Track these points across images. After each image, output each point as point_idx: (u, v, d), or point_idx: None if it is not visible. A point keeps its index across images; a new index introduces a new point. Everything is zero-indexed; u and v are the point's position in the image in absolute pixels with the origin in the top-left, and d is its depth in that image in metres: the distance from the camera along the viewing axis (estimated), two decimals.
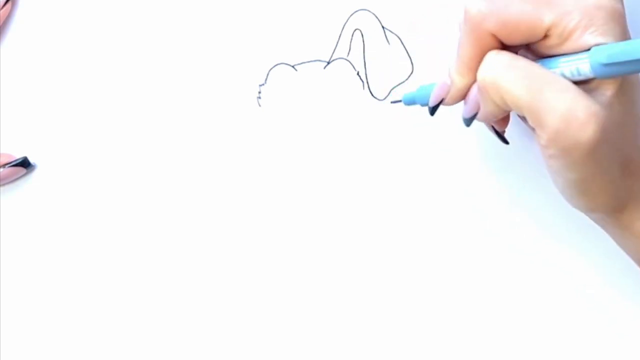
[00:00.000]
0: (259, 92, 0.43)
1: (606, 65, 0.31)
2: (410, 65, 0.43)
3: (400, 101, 0.39)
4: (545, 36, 0.32)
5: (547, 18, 0.32)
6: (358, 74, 0.42)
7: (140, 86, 0.44)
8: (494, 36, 0.33)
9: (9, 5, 0.43)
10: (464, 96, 0.35)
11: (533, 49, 0.34)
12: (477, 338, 0.43)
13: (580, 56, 0.32)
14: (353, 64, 0.43)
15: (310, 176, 0.44)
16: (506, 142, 0.39)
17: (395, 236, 0.43)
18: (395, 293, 0.43)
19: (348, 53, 0.43)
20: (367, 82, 0.43)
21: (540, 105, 0.32)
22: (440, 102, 0.36)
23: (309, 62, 0.43)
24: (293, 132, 0.44)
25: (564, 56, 0.33)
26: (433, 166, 0.43)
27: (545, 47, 0.33)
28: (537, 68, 0.32)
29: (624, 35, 0.32)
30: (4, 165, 0.43)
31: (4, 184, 0.44)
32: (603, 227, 0.37)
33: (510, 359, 0.43)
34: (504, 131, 0.38)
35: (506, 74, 0.32)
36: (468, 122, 0.35)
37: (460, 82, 0.35)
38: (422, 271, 0.43)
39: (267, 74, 0.43)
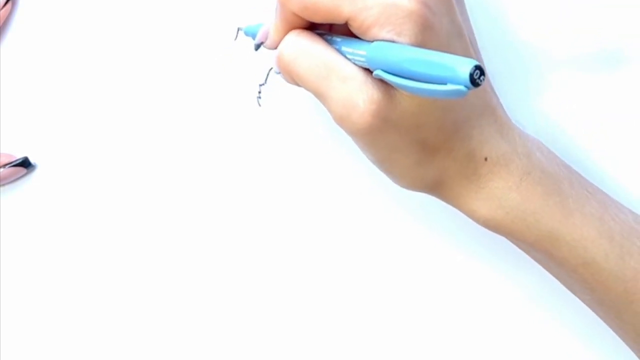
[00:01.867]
0: (259, 92, 0.43)
1: (379, 62, 0.31)
2: None
3: (241, 29, 0.40)
4: (348, 23, 0.33)
5: (345, 10, 0.32)
6: None
7: (141, 86, 0.44)
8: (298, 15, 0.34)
9: (9, 5, 0.43)
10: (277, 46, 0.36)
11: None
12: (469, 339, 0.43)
13: (364, 47, 0.32)
14: None
15: (311, 176, 0.44)
16: None
17: (395, 235, 0.43)
18: (390, 293, 0.43)
19: None
20: None
21: (325, 91, 0.33)
22: (262, 43, 0.37)
23: None
24: (293, 132, 0.44)
25: (359, 42, 0.33)
26: None
27: (351, 31, 0.33)
28: (329, 54, 0.33)
29: (423, 38, 0.32)
30: (4, 165, 0.43)
31: (4, 184, 0.44)
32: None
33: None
34: None
35: (299, 59, 0.34)
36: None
37: (274, 35, 0.36)
38: (419, 271, 0.43)
39: (267, 74, 0.43)
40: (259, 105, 0.43)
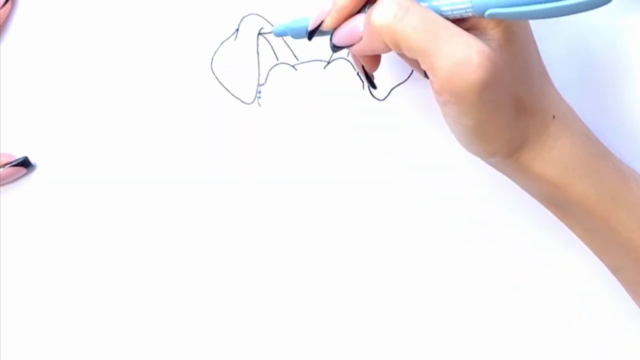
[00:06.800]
0: (259, 92, 0.43)
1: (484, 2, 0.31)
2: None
3: (269, 33, 0.38)
4: None
5: None
6: (358, 74, 0.42)
7: (140, 86, 0.44)
8: None
9: (8, 5, 0.43)
10: (345, 19, 0.35)
11: None
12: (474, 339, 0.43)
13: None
14: (353, 64, 0.43)
15: (310, 176, 0.44)
16: (374, 86, 0.39)
17: (393, 236, 0.43)
18: (394, 295, 0.43)
19: (348, 53, 0.42)
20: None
21: (435, 49, 0.32)
22: (319, 27, 0.35)
23: (309, 62, 0.43)
24: (293, 132, 0.44)
25: None
26: (433, 167, 0.43)
27: None
28: (431, 13, 0.33)
29: None
30: (4, 165, 0.43)
31: (4, 184, 0.44)
32: (503, 171, 0.38)
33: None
34: (373, 75, 0.39)
35: (402, 18, 0.33)
36: (337, 49, 0.35)
37: (344, 3, 0.34)
38: (420, 272, 0.43)
39: (267, 74, 0.43)
40: (259, 105, 0.44)
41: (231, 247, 0.44)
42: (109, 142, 0.44)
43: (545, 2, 0.29)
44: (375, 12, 0.33)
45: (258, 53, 0.43)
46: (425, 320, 0.43)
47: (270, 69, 0.43)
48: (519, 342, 0.43)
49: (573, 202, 0.37)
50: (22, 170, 0.44)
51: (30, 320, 0.45)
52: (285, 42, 0.43)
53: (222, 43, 0.43)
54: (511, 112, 0.35)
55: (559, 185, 0.36)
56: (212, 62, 0.44)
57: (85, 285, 0.44)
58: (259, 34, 0.41)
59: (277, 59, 0.43)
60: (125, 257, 0.44)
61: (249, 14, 0.43)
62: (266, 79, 0.43)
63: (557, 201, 0.37)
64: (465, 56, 0.32)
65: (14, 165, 0.43)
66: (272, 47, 0.43)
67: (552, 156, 0.36)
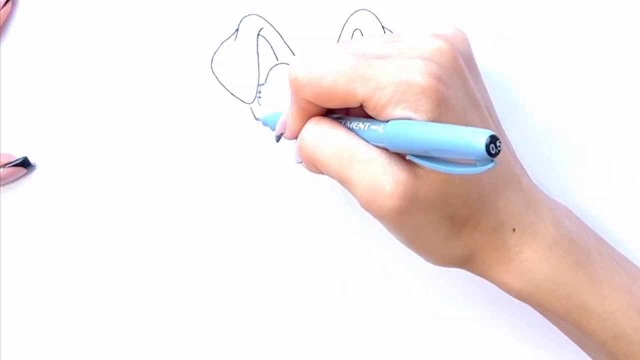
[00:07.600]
0: (259, 92, 0.43)
1: (397, 142, 0.31)
2: None
3: (259, 120, 0.41)
4: (363, 106, 0.33)
5: (359, 92, 0.32)
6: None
7: (140, 86, 0.44)
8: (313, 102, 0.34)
9: (9, 5, 0.43)
10: (296, 137, 0.36)
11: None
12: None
13: (380, 127, 0.32)
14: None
15: (309, 176, 0.44)
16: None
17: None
18: (386, 298, 0.43)
19: None
20: None
21: (349, 177, 0.33)
22: (282, 134, 0.37)
23: None
24: None
25: (375, 125, 0.33)
26: None
27: (368, 113, 0.33)
28: (350, 139, 0.33)
29: (439, 112, 0.31)
30: (4, 165, 0.43)
31: (4, 184, 0.44)
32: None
33: None
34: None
35: (320, 146, 0.34)
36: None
37: (291, 125, 0.36)
38: (419, 273, 0.43)
39: (267, 74, 0.43)
40: (259, 105, 0.44)
41: (231, 247, 0.44)
42: (109, 142, 0.44)
43: (447, 165, 0.29)
44: (299, 140, 0.35)
45: (258, 53, 0.43)
46: (425, 322, 0.43)
47: (270, 69, 0.43)
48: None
49: (541, 309, 0.36)
50: (22, 170, 0.44)
51: (31, 320, 0.45)
52: (285, 42, 0.43)
53: (222, 43, 0.43)
54: (446, 230, 0.34)
55: (523, 295, 0.35)
56: (212, 62, 0.44)
57: (85, 285, 0.45)
58: (259, 34, 0.41)
59: (277, 59, 0.43)
60: (126, 257, 0.44)
61: (249, 14, 0.43)
62: (266, 79, 0.43)
63: (527, 303, 0.36)
64: (377, 185, 0.32)
65: (14, 165, 0.43)
66: (272, 47, 0.43)
67: (512, 268, 0.35)
